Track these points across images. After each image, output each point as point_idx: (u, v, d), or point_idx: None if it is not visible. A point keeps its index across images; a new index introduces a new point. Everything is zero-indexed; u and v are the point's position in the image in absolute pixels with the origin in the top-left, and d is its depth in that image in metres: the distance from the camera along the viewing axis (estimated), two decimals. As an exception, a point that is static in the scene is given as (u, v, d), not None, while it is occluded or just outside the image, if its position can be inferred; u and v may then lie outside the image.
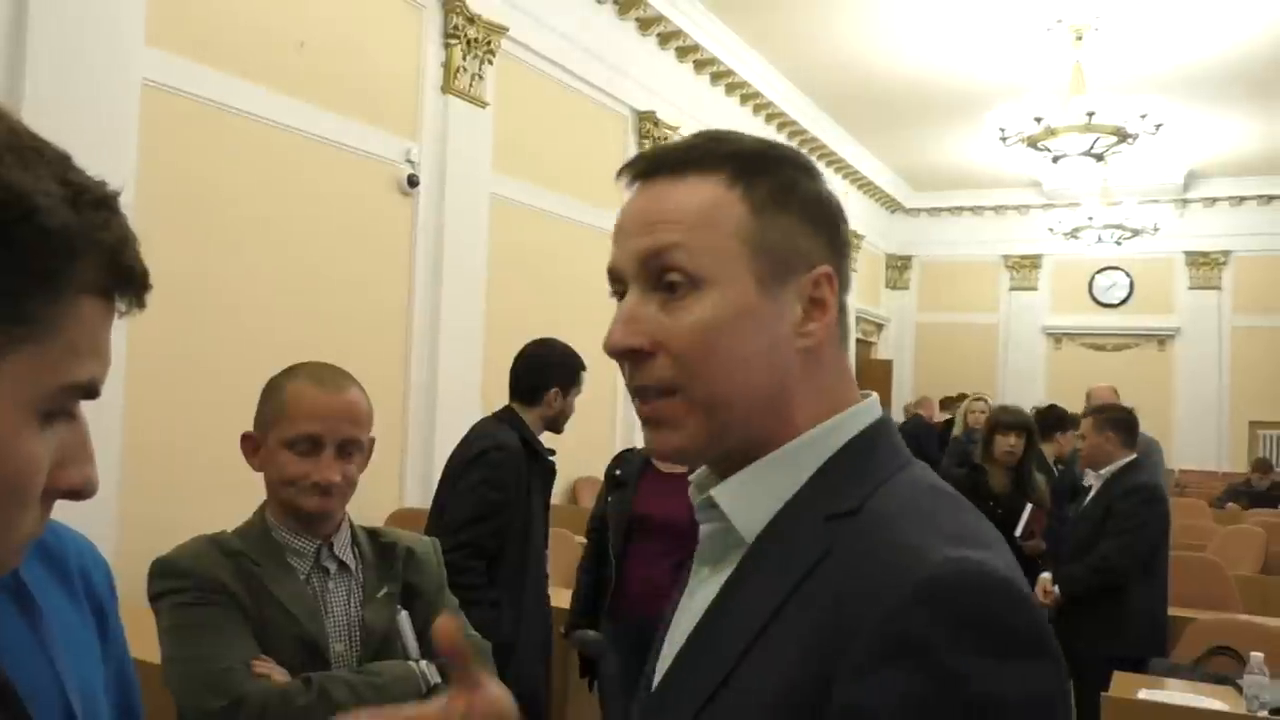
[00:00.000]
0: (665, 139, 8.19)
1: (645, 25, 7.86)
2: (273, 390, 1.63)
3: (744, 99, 9.69)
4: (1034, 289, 14.84)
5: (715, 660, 0.76)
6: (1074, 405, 7.12)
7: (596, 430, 6.85)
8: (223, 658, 1.46)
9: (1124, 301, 14.35)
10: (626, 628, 3.44)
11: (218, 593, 1.52)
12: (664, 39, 8.13)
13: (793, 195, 0.81)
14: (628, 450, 3.83)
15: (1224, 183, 13.25)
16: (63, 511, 0.63)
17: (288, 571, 1.58)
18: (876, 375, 14.06)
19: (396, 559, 1.68)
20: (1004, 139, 7.92)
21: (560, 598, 3.63)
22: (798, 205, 0.81)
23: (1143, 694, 3.20)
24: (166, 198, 4.14)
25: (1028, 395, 12.06)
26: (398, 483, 5.53)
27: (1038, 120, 7.59)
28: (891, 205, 14.95)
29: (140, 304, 0.59)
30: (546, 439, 3.24)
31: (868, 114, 10.94)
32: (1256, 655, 3.19)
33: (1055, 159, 7.95)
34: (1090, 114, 7.45)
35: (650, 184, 0.83)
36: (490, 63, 6.15)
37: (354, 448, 1.60)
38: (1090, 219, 11.09)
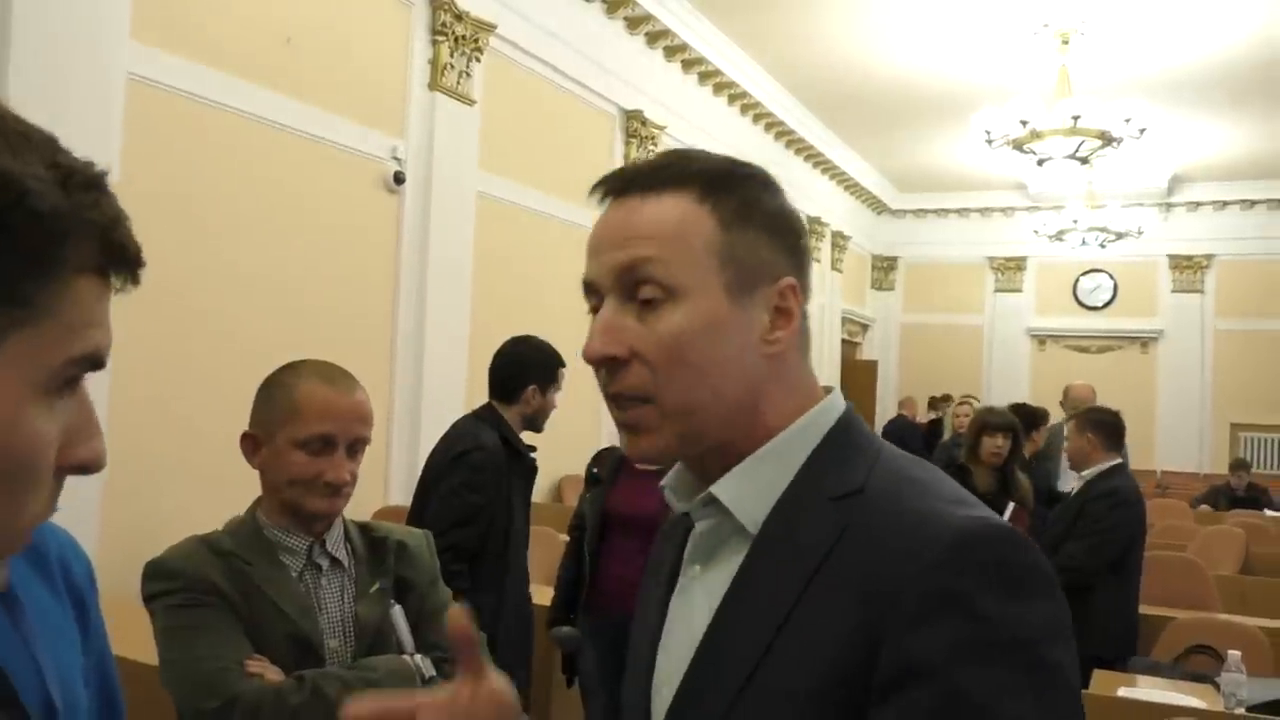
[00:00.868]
0: (653, 138, 8.20)
1: (633, 24, 7.87)
2: (279, 389, 1.61)
3: (731, 99, 9.71)
4: (1019, 291, 14.92)
5: (743, 652, 0.79)
6: (1056, 409, 7.17)
7: (581, 429, 6.85)
8: (216, 658, 1.46)
9: (1108, 304, 14.45)
10: (603, 623, 3.46)
11: (209, 593, 1.51)
12: (652, 38, 8.14)
13: (757, 210, 0.86)
14: (606, 448, 3.85)
15: (1207, 187, 13.36)
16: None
17: (280, 570, 1.58)
18: (862, 376, 14.10)
19: (388, 553, 1.68)
20: (990, 142, 7.96)
21: (542, 595, 3.64)
22: (761, 220, 0.86)
23: (1122, 692, 3.22)
24: (150, 193, 4.12)
25: (1012, 396, 12.09)
26: (383, 480, 5.52)
27: (1023, 123, 7.62)
28: (878, 206, 15.00)
29: (135, 280, 0.60)
30: (528, 437, 3.24)
31: (855, 115, 10.98)
32: (1234, 653, 3.22)
33: (1040, 162, 7.99)
34: (1075, 117, 7.49)
35: (623, 200, 0.86)
36: (478, 60, 6.15)
37: (361, 446, 1.62)
38: (1075, 222, 11.16)
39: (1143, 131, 7.60)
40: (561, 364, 3.26)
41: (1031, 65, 8.50)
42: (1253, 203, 13.38)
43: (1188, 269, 13.88)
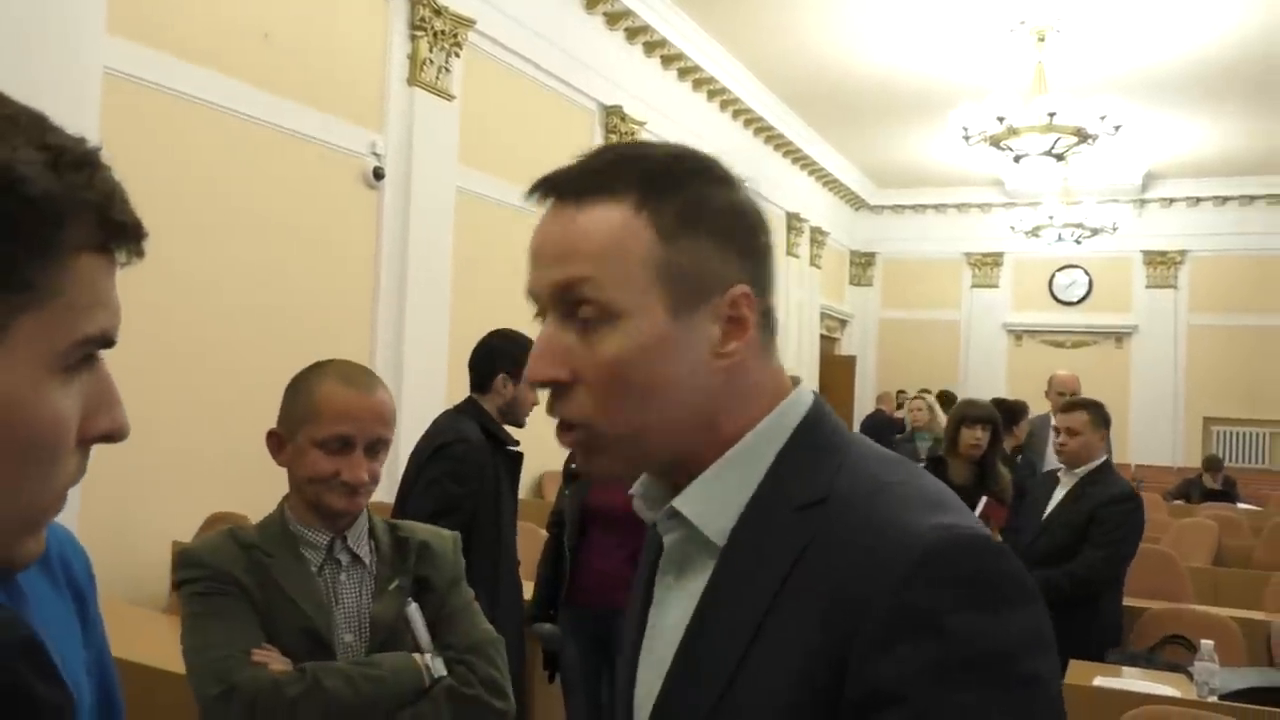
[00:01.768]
0: (632, 133, 8.20)
1: (613, 20, 7.87)
2: (301, 389, 1.64)
3: (711, 95, 9.72)
4: (995, 286, 15.04)
5: (713, 669, 0.76)
6: (1034, 401, 7.24)
7: (562, 425, 6.85)
8: (225, 645, 1.49)
9: (1083, 299, 14.58)
10: (583, 618, 3.47)
11: (227, 583, 1.55)
12: (631, 34, 8.15)
13: (702, 214, 0.80)
14: None
15: (1181, 184, 13.51)
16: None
17: (300, 563, 1.61)
18: (840, 371, 14.17)
19: (410, 552, 1.70)
20: (967, 138, 8.02)
21: (524, 590, 3.64)
22: (708, 224, 0.80)
23: (1098, 681, 3.27)
24: (127, 189, 4.08)
25: (989, 391, 12.15)
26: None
27: (1000, 120, 7.69)
28: (856, 202, 15.07)
29: (139, 253, 0.61)
30: (521, 433, 3.22)
31: (833, 111, 11.03)
32: (1206, 643, 3.27)
33: (1017, 158, 8.06)
34: (1051, 114, 7.56)
35: (560, 207, 0.82)
36: (457, 55, 6.13)
37: (382, 446, 1.63)
38: (1051, 218, 11.26)
39: (1118, 128, 7.70)
40: None
41: (1008, 62, 8.56)
42: (1225, 199, 13.54)
43: (1161, 265, 14.03)
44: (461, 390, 3.32)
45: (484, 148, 6.55)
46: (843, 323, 15.43)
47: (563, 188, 0.82)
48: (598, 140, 8.01)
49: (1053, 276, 14.68)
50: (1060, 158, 8.03)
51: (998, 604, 0.70)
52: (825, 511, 0.76)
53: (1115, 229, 11.56)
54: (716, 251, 0.79)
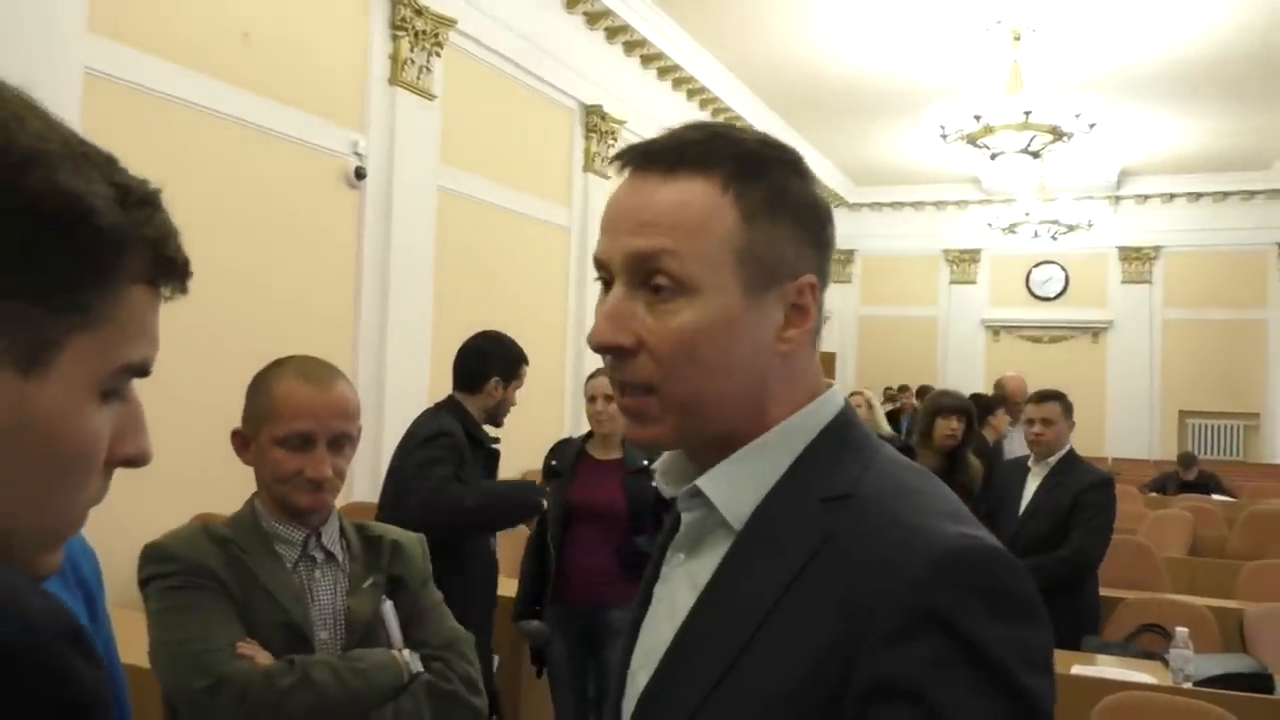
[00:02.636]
0: (613, 133, 8.22)
1: (593, 20, 7.88)
2: (261, 388, 1.63)
3: (690, 94, 9.75)
4: (973, 283, 15.15)
5: (717, 648, 0.77)
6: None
7: (546, 423, 6.87)
8: (207, 639, 1.49)
9: (1059, 295, 14.72)
10: (570, 613, 3.50)
11: (205, 578, 1.54)
12: (611, 33, 8.16)
13: (784, 201, 0.82)
14: (563, 440, 3.88)
15: (1155, 180, 13.65)
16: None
17: (275, 559, 1.61)
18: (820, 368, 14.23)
19: (383, 552, 1.71)
20: (944, 136, 8.09)
21: (506, 587, 3.67)
22: (789, 212, 0.82)
23: (1076, 669, 3.33)
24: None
25: (967, 387, 12.24)
26: (346, 477, 5.50)
27: (977, 118, 7.76)
28: (834, 200, 15.13)
29: (183, 290, 0.66)
30: (491, 432, 3.27)
31: (812, 110, 11.08)
32: (1181, 630, 3.34)
33: (993, 156, 8.14)
34: (1027, 113, 7.64)
35: (644, 177, 0.82)
36: (438, 55, 6.14)
37: (345, 441, 1.63)
38: (1027, 215, 11.37)
39: (1092, 126, 7.78)
40: (524, 360, 3.29)
41: (984, 61, 8.64)
42: (1198, 195, 13.70)
43: (1136, 260, 14.19)
44: (445, 388, 3.34)
45: (466, 147, 6.56)
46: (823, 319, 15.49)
47: (654, 158, 0.82)
48: (578, 139, 8.03)
49: (1029, 272, 14.81)
50: (1036, 155, 8.11)
51: (1012, 617, 0.71)
52: (849, 507, 0.78)
53: (1091, 226, 11.69)
54: (792, 239, 0.82)
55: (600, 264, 0.84)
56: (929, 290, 15.40)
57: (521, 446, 5.84)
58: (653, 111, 8.96)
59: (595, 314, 0.84)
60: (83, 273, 0.57)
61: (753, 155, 0.82)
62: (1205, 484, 9.47)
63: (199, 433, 4.45)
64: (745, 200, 0.80)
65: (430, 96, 6.09)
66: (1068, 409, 4.23)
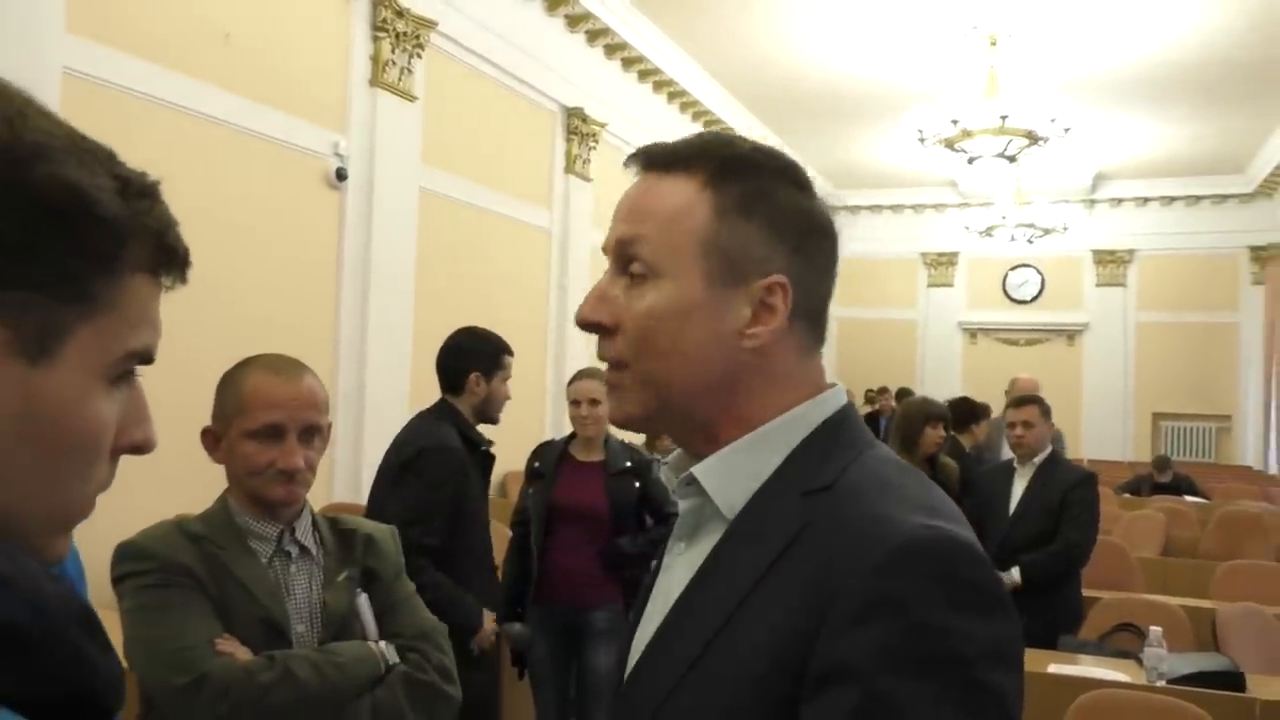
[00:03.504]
0: (594, 135, 8.24)
1: (573, 22, 7.90)
2: (230, 384, 1.65)
3: (671, 96, 9.79)
4: (950, 286, 15.27)
5: (697, 630, 0.81)
6: (990, 398, 7.37)
7: (527, 424, 6.88)
8: (186, 637, 1.49)
9: (1035, 298, 14.86)
10: (552, 615, 3.51)
11: (181, 575, 1.55)
12: (592, 36, 8.18)
13: (762, 203, 0.86)
14: (546, 442, 3.88)
15: (1129, 184, 13.80)
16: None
17: (250, 555, 1.62)
18: (823, 368, 14.30)
19: (356, 545, 1.73)
20: (922, 140, 8.16)
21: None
22: (764, 214, 0.86)
23: (1052, 668, 3.38)
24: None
25: (945, 388, 12.40)
26: (327, 478, 5.49)
27: (954, 122, 7.83)
28: (814, 203, 15.21)
29: (183, 279, 0.67)
30: (485, 431, 3.23)
31: (791, 113, 11.13)
32: (1155, 630, 3.38)
33: (970, 160, 8.22)
34: (1003, 117, 7.72)
35: (644, 176, 0.91)
36: (419, 57, 6.13)
37: (315, 432, 1.64)
38: (1004, 218, 11.46)
39: (1067, 130, 7.87)
40: (506, 351, 3.20)
41: (961, 66, 8.71)
42: (1172, 199, 13.86)
43: (1111, 263, 14.34)
44: (425, 389, 3.32)
45: (447, 148, 6.56)
46: (802, 322, 15.56)
47: (652, 159, 0.90)
48: (559, 141, 8.04)
49: (1006, 275, 14.95)
50: (1012, 159, 8.20)
51: (968, 608, 0.72)
52: (827, 498, 0.81)
53: (1066, 229, 11.80)
54: (764, 240, 0.86)
55: (605, 251, 0.92)
56: (908, 293, 15.51)
57: (503, 448, 5.84)
58: (634, 114, 8.99)
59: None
60: (87, 262, 0.58)
61: (737, 159, 0.88)
62: (1179, 486, 9.57)
63: (178, 433, 4.43)
64: (721, 197, 0.86)
65: (411, 98, 6.09)
66: (1046, 411, 4.34)
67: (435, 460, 2.96)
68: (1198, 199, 13.71)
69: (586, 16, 7.89)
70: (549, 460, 3.60)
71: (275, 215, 5.21)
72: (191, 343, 4.47)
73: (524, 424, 6.73)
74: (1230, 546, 6.47)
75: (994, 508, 4.31)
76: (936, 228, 14.96)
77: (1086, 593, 4.47)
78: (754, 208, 0.86)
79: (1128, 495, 9.35)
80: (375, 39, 5.83)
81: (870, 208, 15.45)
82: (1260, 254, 13.48)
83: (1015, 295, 14.97)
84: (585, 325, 0.90)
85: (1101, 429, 13.85)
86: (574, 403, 3.53)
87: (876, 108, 10.44)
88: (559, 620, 3.53)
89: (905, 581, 0.71)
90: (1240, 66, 8.95)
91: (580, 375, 3.57)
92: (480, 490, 3.16)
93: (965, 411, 5.91)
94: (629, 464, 3.55)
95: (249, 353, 1.74)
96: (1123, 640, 3.88)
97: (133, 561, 1.57)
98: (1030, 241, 11.76)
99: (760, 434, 0.86)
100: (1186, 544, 6.94)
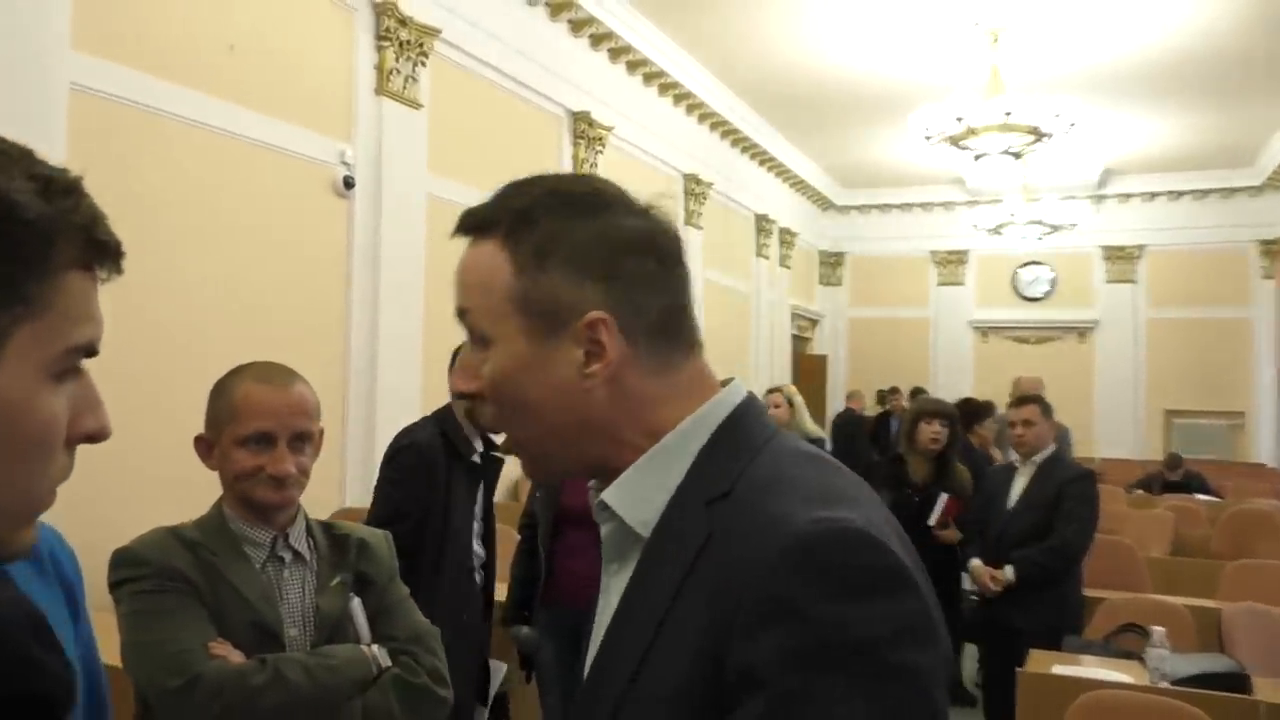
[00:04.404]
0: (600, 139, 8.27)
1: (577, 27, 7.92)
2: (221, 392, 1.69)
3: (677, 99, 9.80)
4: (961, 284, 15.22)
5: (624, 658, 0.81)
6: (1001, 397, 7.37)
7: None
8: (180, 640, 1.53)
9: (1046, 295, 14.81)
10: (560, 617, 3.53)
11: (176, 580, 1.58)
12: (596, 40, 8.21)
13: (555, 248, 0.84)
14: None
15: (1137, 179, 13.73)
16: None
17: (243, 560, 1.65)
18: (812, 370, 14.31)
19: (349, 550, 1.76)
20: (928, 138, 8.15)
21: (497, 592, 3.68)
22: (559, 257, 0.84)
23: (1056, 669, 3.38)
24: (97, 203, 4.09)
25: (958, 387, 12.40)
26: (339, 483, 5.54)
27: (959, 120, 7.81)
28: (823, 203, 15.21)
29: (118, 270, 0.68)
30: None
31: (798, 114, 11.14)
32: (1158, 630, 3.38)
33: (977, 157, 8.21)
34: (1008, 114, 7.69)
35: (468, 242, 0.91)
36: (423, 65, 6.17)
37: (305, 439, 1.67)
38: (1012, 215, 11.44)
39: (1072, 126, 7.83)
40: None
41: (964, 63, 8.70)
42: (1180, 194, 13.79)
43: (1120, 259, 14.27)
44: (436, 396, 3.36)
45: (454, 155, 6.59)
46: (814, 322, 15.58)
47: (464, 226, 0.91)
48: (566, 146, 8.07)
49: (1016, 273, 14.90)
50: (1018, 156, 8.18)
51: (864, 594, 0.71)
52: (727, 505, 0.80)
53: (1074, 226, 11.76)
54: (567, 283, 0.84)
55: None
56: (919, 292, 15.47)
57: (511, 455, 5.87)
58: (640, 117, 9.01)
59: None
60: (16, 266, 0.60)
61: (525, 210, 0.86)
62: (1190, 484, 9.53)
63: (189, 442, 4.48)
64: (517, 254, 0.85)
65: (417, 105, 6.13)
66: (1046, 410, 4.35)
67: (400, 460, 3.03)
68: (1206, 193, 13.63)
69: (590, 21, 7.92)
70: None
71: (284, 225, 5.25)
72: (203, 352, 4.52)
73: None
74: (1240, 545, 6.43)
75: (995, 505, 4.35)
76: (946, 226, 14.92)
77: (1093, 593, 4.47)
78: (549, 254, 0.85)
79: (1139, 493, 9.32)
80: (379, 48, 5.87)
81: (879, 207, 15.44)
82: (1270, 248, 13.40)
83: (1026, 293, 14.92)
84: (458, 397, 0.92)
85: (1114, 427, 13.78)
86: None
87: (882, 106, 10.43)
88: (567, 623, 3.55)
89: (798, 580, 0.71)
90: (1245, 57, 8.90)
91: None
92: (463, 493, 3.11)
93: (969, 411, 5.92)
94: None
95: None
96: (1128, 641, 3.87)
97: (129, 567, 1.60)
98: (1040, 239, 11.73)
99: (658, 449, 0.86)
100: (1196, 543, 6.90)
